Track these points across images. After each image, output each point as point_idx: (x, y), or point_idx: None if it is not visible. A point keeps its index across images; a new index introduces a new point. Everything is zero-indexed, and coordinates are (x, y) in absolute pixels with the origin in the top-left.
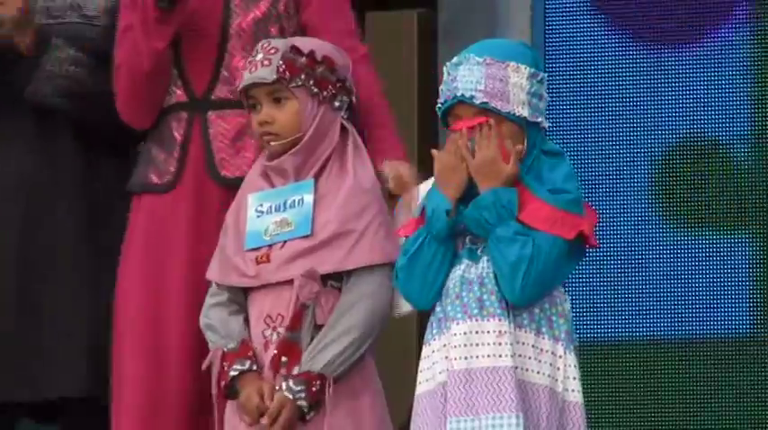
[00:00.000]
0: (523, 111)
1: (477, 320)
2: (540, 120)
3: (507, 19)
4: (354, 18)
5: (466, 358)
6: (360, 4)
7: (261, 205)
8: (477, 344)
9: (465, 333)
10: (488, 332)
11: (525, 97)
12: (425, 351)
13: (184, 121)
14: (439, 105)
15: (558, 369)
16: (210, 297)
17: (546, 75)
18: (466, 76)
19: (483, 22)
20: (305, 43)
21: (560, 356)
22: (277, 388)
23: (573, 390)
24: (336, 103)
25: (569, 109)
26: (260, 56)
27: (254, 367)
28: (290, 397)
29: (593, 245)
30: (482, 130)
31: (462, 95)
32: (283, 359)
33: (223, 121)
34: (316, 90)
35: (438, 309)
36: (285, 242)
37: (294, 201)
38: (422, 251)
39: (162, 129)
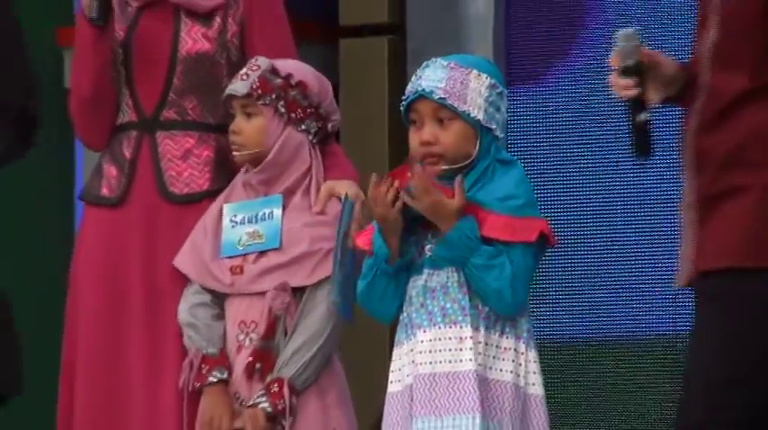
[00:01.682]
0: (478, 114)
1: (440, 328)
2: (494, 127)
3: (469, 48)
4: (294, 47)
5: (430, 363)
6: (336, 32)
7: (235, 216)
8: (440, 351)
9: (430, 340)
10: (450, 338)
11: (482, 103)
12: (395, 353)
13: (134, 140)
14: (402, 101)
15: (521, 365)
16: (193, 295)
17: (506, 91)
18: (430, 75)
19: (448, 49)
20: (285, 66)
21: (522, 353)
22: (251, 403)
23: (534, 384)
24: (303, 127)
25: (529, 134)
26: (244, 70)
27: (227, 378)
28: (256, 404)
29: (552, 244)
30: (415, 178)
31: (423, 90)
32: (257, 366)
33: (171, 141)
34: (283, 110)
35: (404, 314)
36: (257, 255)
37: (264, 214)
38: (375, 282)
39: (113, 146)
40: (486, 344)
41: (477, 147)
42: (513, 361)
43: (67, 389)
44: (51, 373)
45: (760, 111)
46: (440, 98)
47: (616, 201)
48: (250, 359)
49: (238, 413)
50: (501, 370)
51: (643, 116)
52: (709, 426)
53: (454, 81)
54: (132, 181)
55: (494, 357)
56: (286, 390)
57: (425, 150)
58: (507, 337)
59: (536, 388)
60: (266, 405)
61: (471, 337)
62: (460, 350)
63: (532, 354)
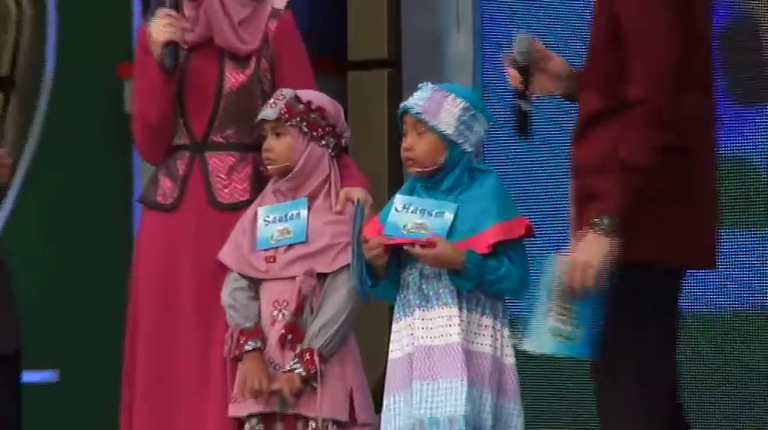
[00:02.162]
0: (447, 130)
1: (434, 308)
2: (461, 142)
3: (453, 79)
4: (313, 79)
5: (428, 337)
6: (345, 66)
7: (268, 216)
8: (432, 328)
9: (425, 319)
10: (442, 317)
11: (453, 121)
12: (395, 327)
13: (187, 158)
14: (398, 113)
15: (497, 339)
16: (232, 282)
17: (483, 116)
18: (416, 95)
19: (435, 80)
20: (306, 95)
21: (498, 330)
22: (286, 369)
23: (508, 355)
24: (323, 143)
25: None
26: (272, 99)
27: (261, 347)
28: (292, 370)
29: (533, 233)
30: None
31: (406, 106)
32: (289, 337)
33: (217, 159)
34: (306, 130)
35: (401, 296)
36: (287, 247)
37: (292, 214)
38: (375, 290)
39: (169, 162)
40: (469, 322)
41: (445, 157)
42: (491, 336)
43: (130, 367)
44: (116, 353)
45: (605, 130)
46: (416, 113)
47: None
48: (282, 331)
49: (274, 376)
50: (482, 343)
51: (523, 104)
52: None
53: (432, 101)
54: (184, 192)
55: (475, 333)
56: (316, 358)
57: (405, 155)
58: (486, 317)
59: (509, 358)
60: (301, 370)
61: (458, 316)
62: (450, 326)
63: (506, 331)
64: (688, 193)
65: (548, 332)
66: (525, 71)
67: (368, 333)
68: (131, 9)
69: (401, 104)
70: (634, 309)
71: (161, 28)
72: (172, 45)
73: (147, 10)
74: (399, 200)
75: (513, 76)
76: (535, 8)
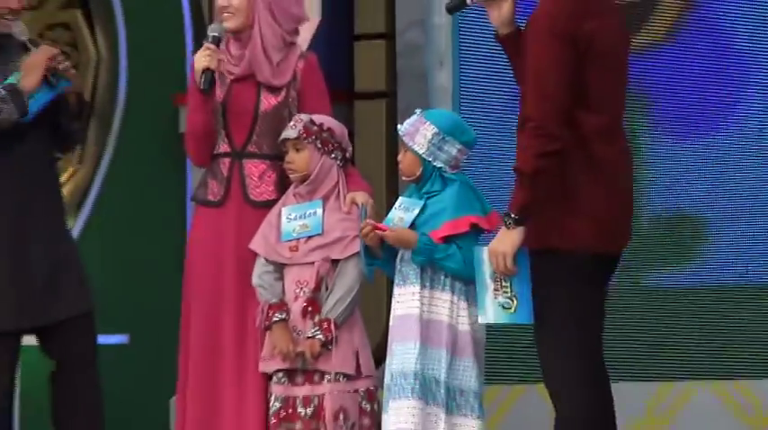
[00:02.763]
0: (420, 149)
1: (405, 286)
2: (431, 159)
3: (437, 106)
4: (330, 106)
5: (399, 309)
6: (352, 96)
7: (290, 214)
8: (402, 301)
9: (399, 294)
10: (408, 293)
11: (425, 143)
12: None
13: (228, 164)
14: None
15: (453, 310)
16: (261, 266)
17: (452, 139)
18: (406, 121)
19: (425, 107)
20: (319, 118)
21: (454, 303)
22: (308, 335)
23: (463, 323)
24: (333, 155)
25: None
26: (292, 122)
27: (286, 317)
28: (312, 336)
29: (487, 229)
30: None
31: (397, 128)
32: (309, 309)
33: (252, 166)
34: (320, 146)
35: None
36: (307, 238)
37: (310, 212)
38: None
39: (214, 166)
40: (431, 297)
41: (422, 170)
42: (449, 308)
43: (185, 332)
44: (175, 321)
45: (521, 135)
46: (401, 135)
47: None
48: (304, 304)
49: (297, 341)
50: (439, 313)
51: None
52: None
53: (413, 126)
54: (228, 191)
55: (435, 305)
56: (333, 327)
57: (400, 166)
58: (446, 292)
59: (464, 325)
60: (321, 336)
61: (419, 293)
62: (413, 300)
63: (462, 304)
64: (587, 192)
65: (492, 306)
66: None
67: (370, 306)
68: (185, 52)
69: (398, 127)
70: (554, 283)
71: (201, 57)
72: (209, 71)
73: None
74: (399, 200)
75: None
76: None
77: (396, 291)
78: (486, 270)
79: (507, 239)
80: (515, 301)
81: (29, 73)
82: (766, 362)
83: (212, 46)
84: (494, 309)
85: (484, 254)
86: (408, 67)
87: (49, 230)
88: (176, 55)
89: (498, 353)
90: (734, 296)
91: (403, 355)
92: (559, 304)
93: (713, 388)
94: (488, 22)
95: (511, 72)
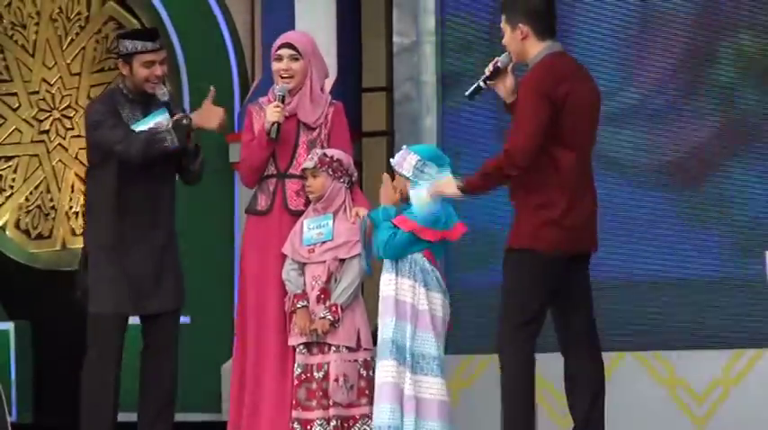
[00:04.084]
0: (406, 173)
1: (385, 275)
2: (415, 180)
3: (425, 142)
4: (351, 143)
5: (382, 292)
6: (360, 135)
7: (310, 225)
8: (383, 287)
9: (383, 281)
10: (386, 279)
11: (411, 168)
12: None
13: (274, 183)
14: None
15: (415, 294)
16: (288, 265)
17: (432, 164)
18: (397, 155)
19: (416, 142)
20: (331, 152)
21: (415, 287)
22: (320, 316)
23: (422, 303)
24: (341, 180)
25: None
26: (309, 155)
27: (307, 304)
28: (323, 317)
29: (426, 238)
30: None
31: (390, 161)
32: (322, 296)
33: (292, 184)
34: (331, 173)
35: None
36: (321, 243)
37: (323, 223)
38: (397, 238)
39: (263, 185)
40: (399, 283)
41: (408, 188)
42: (411, 292)
43: (241, 313)
44: (230, 305)
45: (501, 152)
46: (393, 165)
47: None
48: (318, 293)
49: (312, 322)
50: (405, 295)
51: (482, 84)
52: None
53: (401, 157)
54: (273, 202)
55: (404, 289)
56: (339, 310)
57: (393, 193)
58: (410, 279)
59: (423, 305)
60: (330, 317)
61: (392, 280)
62: (387, 285)
63: (422, 289)
64: (556, 205)
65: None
66: (497, 71)
67: (372, 293)
68: (234, 102)
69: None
70: (518, 278)
71: (271, 112)
72: (277, 124)
73: (247, 98)
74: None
75: (489, 68)
76: (493, 101)
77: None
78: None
79: (450, 189)
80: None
81: (206, 117)
82: None
83: (280, 104)
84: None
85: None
86: (403, 113)
87: (163, 241)
88: (228, 104)
89: (468, 330)
90: None
91: (383, 327)
92: (520, 295)
93: None
94: (464, 83)
95: (483, 117)
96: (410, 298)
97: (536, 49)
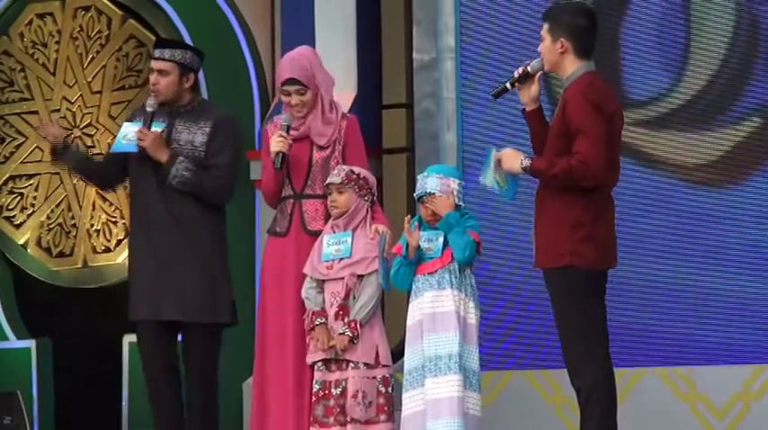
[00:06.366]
0: (453, 197)
1: (433, 291)
2: (457, 201)
3: (445, 161)
4: (366, 159)
5: (431, 308)
6: (381, 152)
7: (329, 241)
8: (432, 303)
9: (428, 297)
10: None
11: (454, 191)
12: (411, 305)
13: (291, 204)
14: (415, 194)
15: (461, 306)
16: (307, 283)
17: (452, 177)
18: (429, 182)
19: (434, 162)
20: (357, 169)
21: (463, 299)
22: (339, 333)
23: (470, 314)
24: (365, 198)
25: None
26: (335, 171)
27: (325, 321)
28: (342, 333)
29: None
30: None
31: (430, 191)
32: (341, 313)
33: (309, 204)
34: (357, 190)
35: (414, 286)
36: (340, 259)
37: (342, 240)
38: (399, 270)
39: (282, 206)
40: (446, 296)
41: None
42: (463, 304)
43: (261, 328)
44: (244, 325)
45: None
46: (436, 192)
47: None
48: (336, 309)
49: (331, 338)
50: (444, 306)
51: (509, 85)
52: None
53: (442, 185)
54: (290, 224)
55: (449, 301)
56: (358, 326)
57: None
58: (457, 292)
59: (471, 317)
60: (348, 333)
61: (451, 295)
62: (437, 301)
63: (471, 303)
64: (598, 224)
65: (490, 178)
66: (526, 76)
67: (393, 310)
68: (254, 122)
69: (419, 188)
70: (576, 294)
71: (276, 143)
72: (282, 153)
73: (267, 116)
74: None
75: (518, 71)
76: (513, 118)
77: (425, 295)
78: (492, 159)
79: (516, 164)
80: (505, 185)
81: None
82: None
83: (284, 134)
84: (491, 179)
85: (494, 152)
86: (424, 130)
87: (214, 263)
88: (249, 122)
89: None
90: None
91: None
92: (581, 306)
93: None
94: (483, 97)
95: (502, 134)
96: (456, 308)
97: (573, 65)
